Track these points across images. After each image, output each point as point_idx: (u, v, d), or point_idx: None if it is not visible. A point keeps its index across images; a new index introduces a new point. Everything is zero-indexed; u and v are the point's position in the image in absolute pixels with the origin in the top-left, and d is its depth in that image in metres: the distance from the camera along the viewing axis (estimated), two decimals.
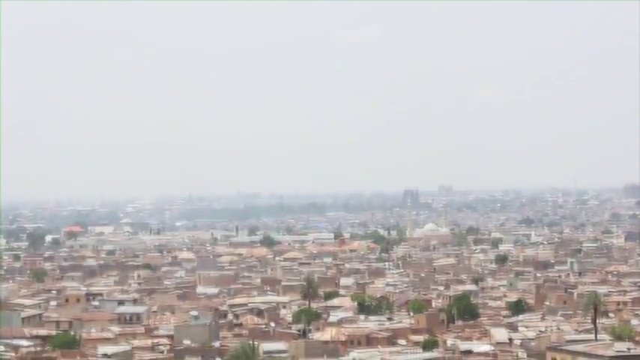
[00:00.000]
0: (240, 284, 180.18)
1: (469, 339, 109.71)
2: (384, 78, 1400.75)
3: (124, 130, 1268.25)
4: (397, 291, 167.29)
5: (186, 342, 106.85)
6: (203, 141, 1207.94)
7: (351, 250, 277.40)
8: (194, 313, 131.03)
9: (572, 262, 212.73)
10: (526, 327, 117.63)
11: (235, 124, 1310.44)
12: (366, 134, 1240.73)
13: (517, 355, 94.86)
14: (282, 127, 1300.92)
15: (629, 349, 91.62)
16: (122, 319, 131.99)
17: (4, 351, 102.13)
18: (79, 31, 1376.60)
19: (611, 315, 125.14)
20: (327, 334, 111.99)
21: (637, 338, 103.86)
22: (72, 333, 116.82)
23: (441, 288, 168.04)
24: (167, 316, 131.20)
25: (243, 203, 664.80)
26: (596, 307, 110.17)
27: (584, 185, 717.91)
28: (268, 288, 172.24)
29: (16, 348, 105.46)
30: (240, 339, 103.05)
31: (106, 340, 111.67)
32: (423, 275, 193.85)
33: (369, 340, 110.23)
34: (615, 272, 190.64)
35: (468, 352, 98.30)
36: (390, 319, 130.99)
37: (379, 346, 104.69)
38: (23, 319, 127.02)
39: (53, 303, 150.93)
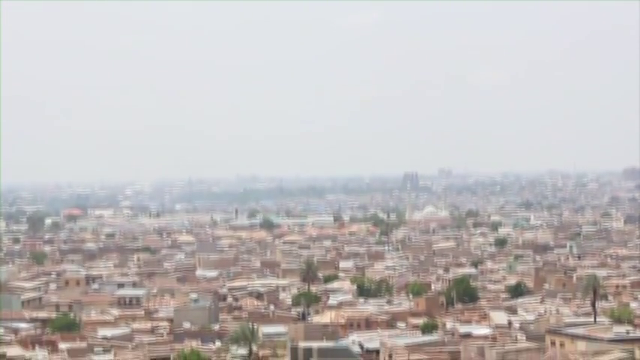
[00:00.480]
0: (240, 267, 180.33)
1: (468, 322, 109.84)
2: (384, 61, 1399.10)
3: (124, 113, 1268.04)
4: (396, 274, 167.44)
5: (186, 324, 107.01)
6: (202, 124, 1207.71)
7: (351, 233, 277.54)
8: (193, 295, 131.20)
9: (571, 245, 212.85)
10: (525, 310, 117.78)
11: (234, 107, 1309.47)
12: (366, 117, 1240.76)
13: (516, 338, 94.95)
14: (282, 111, 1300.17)
15: (628, 331, 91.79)
16: (122, 302, 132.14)
17: (4, 333, 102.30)
18: (81, 16, 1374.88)
19: (610, 298, 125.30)
20: (326, 317, 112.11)
21: (636, 321, 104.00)
22: (72, 316, 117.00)
23: (441, 271, 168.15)
24: (167, 299, 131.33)
25: (242, 186, 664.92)
26: (595, 290, 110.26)
27: (584, 168, 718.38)
28: (268, 271, 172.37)
29: (15, 330, 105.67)
30: (239, 322, 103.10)
31: (105, 323, 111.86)
32: (422, 258, 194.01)
33: (368, 323, 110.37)
34: (614, 255, 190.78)
35: (467, 335, 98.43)
36: (389, 302, 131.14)
37: (378, 329, 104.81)
38: (23, 301, 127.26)
39: (53, 286, 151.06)
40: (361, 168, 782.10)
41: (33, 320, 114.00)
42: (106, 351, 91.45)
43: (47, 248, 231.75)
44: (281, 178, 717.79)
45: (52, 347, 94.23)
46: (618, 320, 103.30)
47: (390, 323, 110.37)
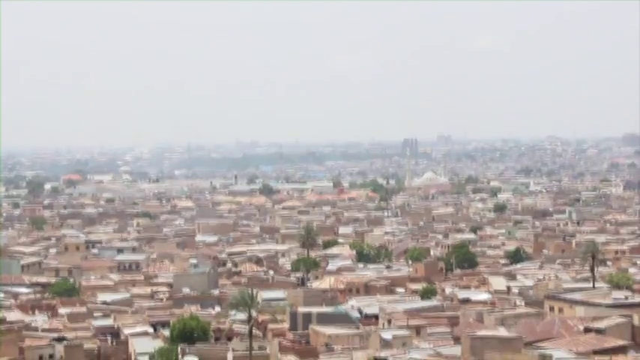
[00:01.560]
0: (239, 232, 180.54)
1: (467, 287, 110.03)
2: (383, 27, 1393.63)
3: (124, 78, 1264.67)
4: (396, 239, 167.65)
5: (185, 290, 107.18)
6: (202, 90, 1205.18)
7: (350, 199, 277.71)
8: (193, 261, 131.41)
9: (570, 211, 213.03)
10: (524, 275, 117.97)
11: (234, 73, 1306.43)
12: (365, 83, 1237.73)
13: (515, 304, 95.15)
14: (281, 77, 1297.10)
15: (626, 297, 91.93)
16: (121, 267, 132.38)
17: (4, 297, 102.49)
18: None
19: (609, 263, 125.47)
20: (325, 283, 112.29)
21: (634, 287, 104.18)
22: (71, 280, 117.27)
23: (440, 237, 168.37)
24: (166, 264, 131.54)
25: (242, 152, 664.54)
26: (594, 256, 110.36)
27: (583, 134, 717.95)
28: (267, 236, 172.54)
29: (15, 295, 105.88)
30: (238, 287, 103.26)
31: (105, 288, 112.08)
32: (421, 224, 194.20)
33: (367, 289, 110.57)
34: (613, 221, 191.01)
35: (466, 301, 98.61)
36: (388, 267, 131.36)
37: (378, 295, 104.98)
38: (23, 266, 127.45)
39: (53, 251, 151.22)
40: (361, 134, 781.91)
41: (33, 285, 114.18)
42: (106, 316, 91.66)
43: (47, 213, 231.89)
44: (280, 144, 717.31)
45: (52, 312, 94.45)
46: (617, 286, 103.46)
47: (389, 289, 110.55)
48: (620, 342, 73.14)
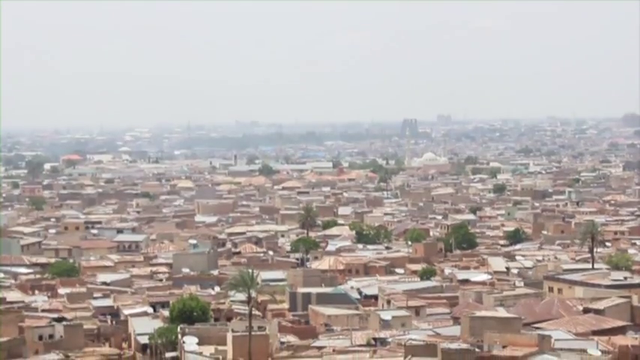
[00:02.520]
0: (239, 213, 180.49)
1: (467, 268, 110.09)
2: (383, 7, 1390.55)
3: (124, 58, 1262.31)
4: (395, 220, 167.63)
5: (185, 270, 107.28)
6: (202, 70, 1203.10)
7: (350, 180, 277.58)
8: (192, 241, 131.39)
9: (570, 192, 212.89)
10: (523, 256, 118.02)
11: (234, 53, 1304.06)
12: (365, 63, 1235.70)
13: (514, 284, 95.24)
14: (281, 57, 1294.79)
15: (625, 278, 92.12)
16: (121, 247, 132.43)
17: (4, 278, 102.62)
18: None
19: (608, 244, 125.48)
20: (325, 263, 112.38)
21: (634, 267, 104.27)
22: (71, 261, 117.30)
23: (439, 217, 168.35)
24: (166, 245, 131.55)
25: (241, 132, 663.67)
26: (593, 237, 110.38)
27: (583, 115, 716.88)
28: (267, 217, 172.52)
29: (15, 275, 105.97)
30: (238, 267, 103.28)
31: (104, 268, 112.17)
32: (421, 204, 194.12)
33: (367, 269, 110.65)
34: (613, 202, 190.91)
35: (466, 281, 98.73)
36: (388, 248, 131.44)
37: (377, 275, 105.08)
38: (22, 246, 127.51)
39: (52, 231, 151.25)
40: (360, 114, 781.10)
41: (32, 265, 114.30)
42: (106, 296, 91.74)
43: (46, 193, 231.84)
44: (280, 124, 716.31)
45: (52, 292, 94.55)
46: (616, 266, 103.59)
47: (389, 269, 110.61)
48: (619, 322, 73.31)
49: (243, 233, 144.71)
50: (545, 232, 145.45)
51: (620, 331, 71.00)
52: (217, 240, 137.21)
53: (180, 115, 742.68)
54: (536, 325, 70.93)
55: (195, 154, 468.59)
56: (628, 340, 66.76)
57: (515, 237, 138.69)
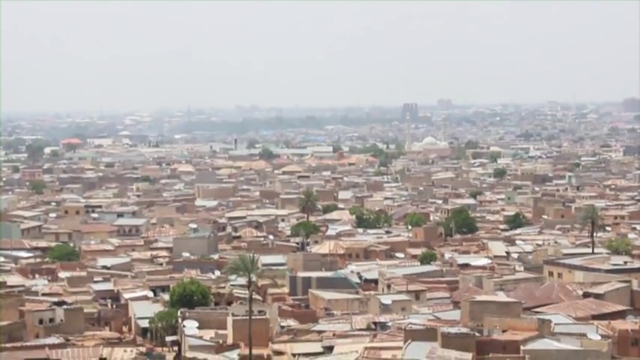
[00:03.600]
0: (239, 197, 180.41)
1: (467, 252, 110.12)
2: None
3: (124, 42, 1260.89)
4: (396, 204, 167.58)
5: (185, 254, 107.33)
6: (202, 54, 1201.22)
7: (350, 164, 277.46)
8: (193, 225, 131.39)
9: (570, 176, 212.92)
10: (523, 241, 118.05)
11: (234, 37, 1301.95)
12: (366, 47, 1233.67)
13: (514, 269, 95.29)
14: (281, 40, 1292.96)
15: (625, 262, 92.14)
16: (121, 231, 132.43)
17: (4, 262, 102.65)
18: None
19: (608, 229, 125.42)
20: (325, 247, 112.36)
21: (634, 252, 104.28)
22: (71, 244, 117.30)
23: (440, 202, 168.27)
24: (166, 229, 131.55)
25: (241, 116, 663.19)
26: (593, 221, 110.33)
27: (584, 99, 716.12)
28: (267, 201, 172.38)
29: (15, 259, 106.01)
30: (238, 251, 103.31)
31: (105, 252, 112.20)
32: (421, 189, 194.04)
33: (367, 254, 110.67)
34: (613, 186, 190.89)
35: (466, 266, 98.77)
36: (388, 232, 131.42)
37: (377, 260, 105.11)
38: (23, 230, 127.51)
39: (52, 215, 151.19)
40: (361, 98, 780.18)
41: (33, 249, 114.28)
42: (106, 280, 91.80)
43: (46, 177, 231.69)
44: (280, 108, 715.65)
45: (52, 276, 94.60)
46: (616, 251, 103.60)
47: (389, 254, 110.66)
48: (619, 307, 73.36)
49: (244, 217, 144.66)
50: (545, 217, 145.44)
51: (619, 315, 71.05)
52: (218, 224, 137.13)
53: (180, 99, 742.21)
54: (536, 310, 70.97)
55: (195, 139, 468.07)
56: (628, 324, 66.81)
57: (516, 221, 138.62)
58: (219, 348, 62.33)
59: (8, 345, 62.91)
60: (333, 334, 65.11)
